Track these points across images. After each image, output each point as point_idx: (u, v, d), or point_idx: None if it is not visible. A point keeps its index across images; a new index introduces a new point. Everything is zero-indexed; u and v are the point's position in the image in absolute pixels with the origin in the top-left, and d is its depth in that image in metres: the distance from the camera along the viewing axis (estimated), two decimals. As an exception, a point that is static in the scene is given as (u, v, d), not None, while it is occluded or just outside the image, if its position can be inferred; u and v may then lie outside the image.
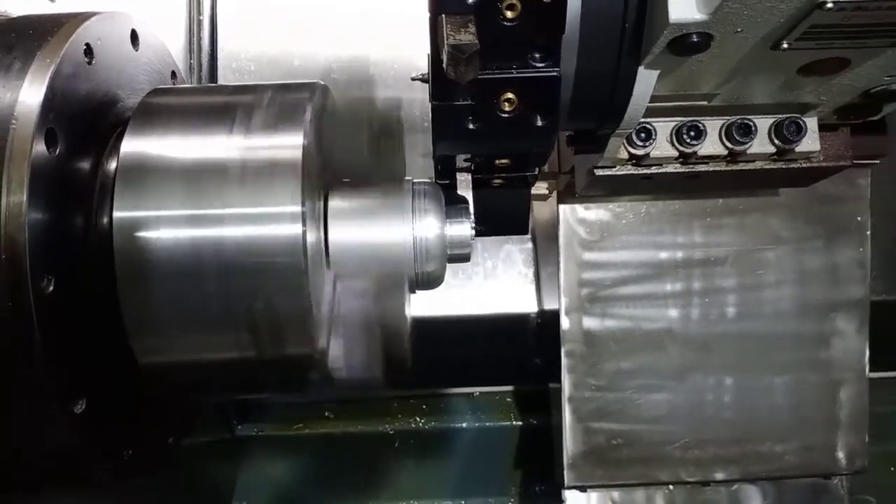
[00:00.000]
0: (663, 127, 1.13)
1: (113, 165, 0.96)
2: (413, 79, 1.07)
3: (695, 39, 0.82)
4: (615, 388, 1.58)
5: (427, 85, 0.90)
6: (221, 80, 1.72)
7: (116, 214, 0.90)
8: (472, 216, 1.07)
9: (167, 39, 1.23)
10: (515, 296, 1.81)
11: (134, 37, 1.09)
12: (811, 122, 1.12)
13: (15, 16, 1.06)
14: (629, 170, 1.19)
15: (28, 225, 0.81)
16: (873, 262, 1.58)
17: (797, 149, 1.13)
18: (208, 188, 0.91)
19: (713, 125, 1.13)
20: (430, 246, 1.00)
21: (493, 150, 1.00)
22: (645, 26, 0.86)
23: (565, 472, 1.58)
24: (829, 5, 0.76)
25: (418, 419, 1.87)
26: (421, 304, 1.10)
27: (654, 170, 1.19)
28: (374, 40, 1.73)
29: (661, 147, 1.14)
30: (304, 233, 0.89)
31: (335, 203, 1.01)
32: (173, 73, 1.25)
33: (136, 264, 0.89)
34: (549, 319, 1.73)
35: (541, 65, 0.82)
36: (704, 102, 1.06)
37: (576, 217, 1.55)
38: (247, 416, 1.87)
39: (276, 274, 0.90)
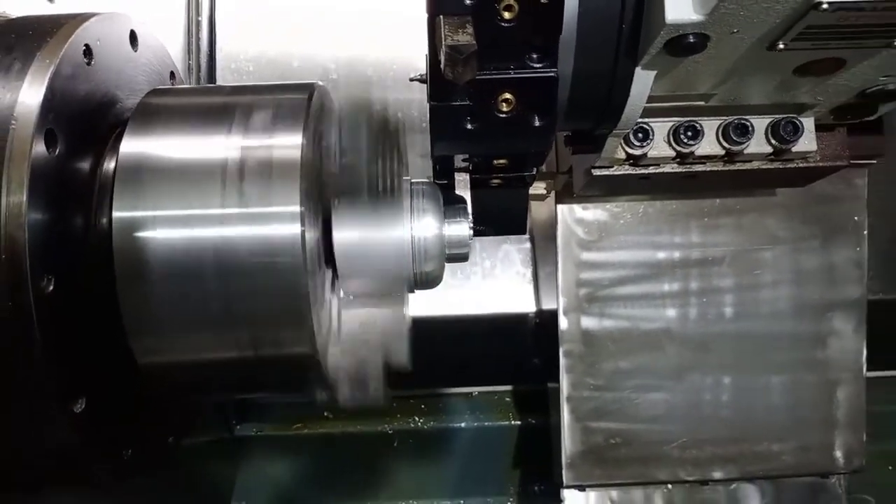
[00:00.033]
0: (660, 127, 1.13)
1: (112, 166, 0.96)
2: (411, 79, 1.07)
3: (691, 40, 0.82)
4: (613, 388, 1.59)
5: (425, 85, 0.90)
6: (220, 81, 1.72)
7: (116, 214, 0.90)
8: (471, 216, 1.07)
9: (166, 40, 1.23)
10: (514, 296, 1.81)
11: (133, 38, 1.09)
12: (808, 123, 1.13)
13: (14, 17, 1.06)
14: (627, 170, 1.19)
15: (28, 225, 0.81)
16: (870, 261, 1.59)
17: (794, 149, 1.14)
18: (207, 188, 0.91)
19: (710, 125, 1.13)
20: (429, 246, 1.01)
21: (490, 151, 1.00)
22: (642, 27, 0.86)
23: (564, 472, 1.58)
24: (825, 6, 0.76)
25: (417, 419, 1.87)
26: (419, 304, 1.10)
27: (651, 170, 1.19)
28: (373, 41, 1.74)
29: (659, 147, 1.15)
30: (304, 232, 0.90)
31: (334, 203, 1.01)
32: (172, 74, 1.25)
33: (135, 264, 0.90)
34: (547, 319, 1.73)
35: (538, 65, 0.82)
36: (701, 103, 1.07)
37: (574, 217, 1.56)
38: (246, 416, 1.87)
39: (276, 274, 0.90)
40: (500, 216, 1.19)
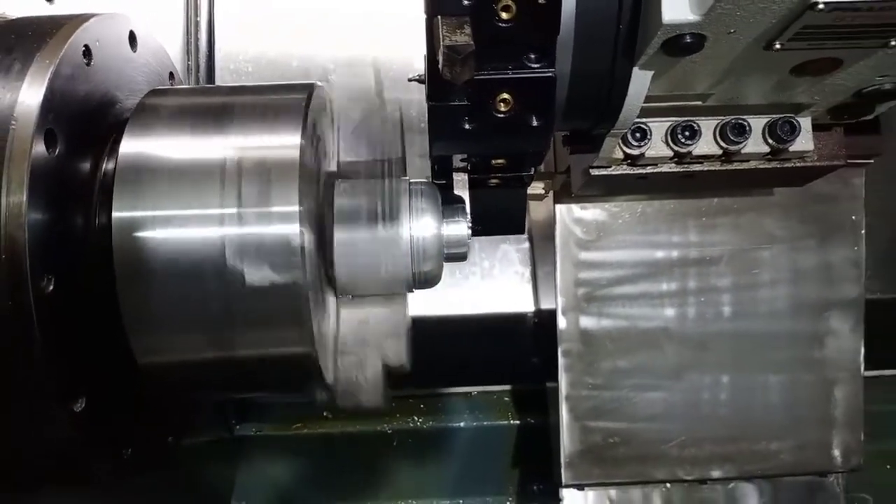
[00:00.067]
0: (658, 127, 1.14)
1: (112, 166, 0.96)
2: (410, 80, 1.08)
3: (688, 40, 0.83)
4: (612, 387, 1.59)
5: (424, 86, 0.91)
6: (219, 82, 1.73)
7: (115, 214, 0.91)
8: (469, 216, 1.07)
9: (165, 41, 1.23)
10: (512, 295, 1.82)
11: (132, 38, 1.09)
12: (805, 122, 1.13)
13: (14, 17, 1.06)
14: (625, 170, 1.20)
15: (28, 225, 0.81)
16: (868, 261, 1.59)
17: (791, 148, 1.14)
18: (206, 188, 0.92)
19: (708, 125, 1.14)
20: (427, 245, 1.01)
21: (489, 151, 1.01)
22: (639, 27, 0.87)
23: (562, 471, 1.58)
24: (821, 6, 0.77)
25: (416, 419, 1.87)
26: (418, 304, 1.11)
27: (649, 169, 1.20)
28: (372, 42, 1.74)
29: (656, 147, 1.15)
30: (302, 232, 0.90)
31: (333, 202, 1.02)
32: (171, 75, 1.25)
33: (135, 264, 0.90)
34: (545, 319, 1.73)
35: (536, 65, 0.83)
36: (699, 102, 1.07)
37: (572, 217, 1.56)
38: (246, 416, 1.87)
39: (275, 274, 0.90)
40: (498, 216, 1.19)
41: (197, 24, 1.73)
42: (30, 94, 0.85)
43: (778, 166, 1.20)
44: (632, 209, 1.56)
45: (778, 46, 0.86)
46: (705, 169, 1.20)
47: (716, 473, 1.60)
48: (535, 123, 0.89)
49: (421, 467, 1.91)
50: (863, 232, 1.58)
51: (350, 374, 1.02)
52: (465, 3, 0.75)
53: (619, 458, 1.59)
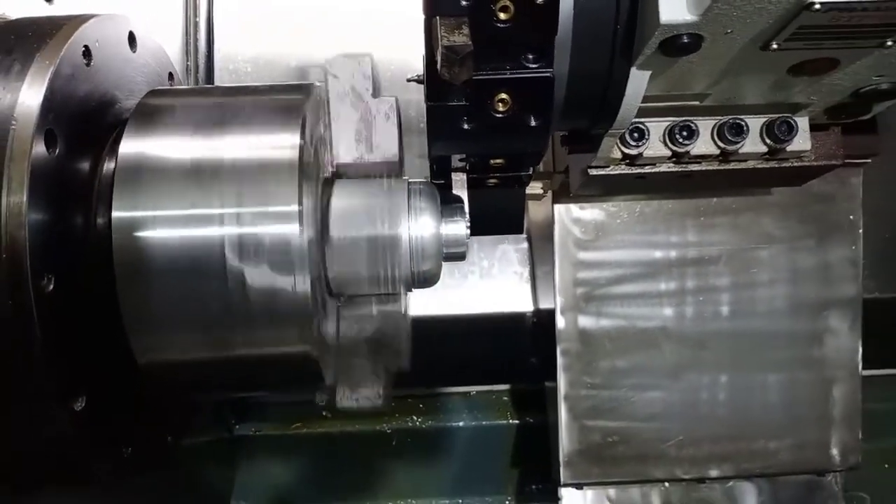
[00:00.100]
0: (656, 127, 1.14)
1: (111, 166, 0.96)
2: (409, 80, 1.08)
3: (685, 40, 0.83)
4: (610, 387, 1.59)
5: (422, 86, 0.91)
6: (218, 82, 1.73)
7: (115, 214, 0.91)
8: (468, 215, 1.08)
9: (164, 41, 1.23)
10: (511, 295, 1.82)
11: (131, 39, 1.10)
12: (802, 122, 1.14)
13: (13, 18, 1.07)
14: (623, 169, 1.20)
15: (28, 224, 0.82)
16: (865, 260, 1.59)
17: (789, 148, 1.15)
18: (206, 188, 0.92)
19: (705, 125, 1.14)
20: (426, 245, 1.01)
21: (487, 150, 1.01)
22: (636, 28, 0.87)
23: (561, 470, 1.59)
24: (817, 6, 0.77)
25: (415, 418, 1.88)
26: (417, 304, 1.11)
27: (647, 169, 1.20)
28: (372, 42, 1.74)
29: (654, 147, 1.15)
30: (302, 232, 0.90)
31: (332, 202, 1.02)
32: (170, 75, 1.26)
33: (134, 264, 0.90)
34: (544, 318, 1.74)
35: (534, 65, 0.83)
36: (696, 102, 1.07)
37: (571, 216, 1.56)
38: (245, 415, 1.87)
39: (274, 273, 0.91)
40: (497, 216, 1.20)
41: (196, 24, 1.73)
42: (30, 95, 0.85)
43: (776, 166, 1.20)
44: (630, 209, 1.57)
45: (775, 46, 0.87)
46: (703, 169, 1.20)
47: (714, 472, 1.60)
48: (533, 123, 0.89)
49: (420, 467, 1.91)
50: (860, 231, 1.58)
51: (350, 374, 1.02)
52: (464, 3, 0.76)
53: (618, 458, 1.59)
